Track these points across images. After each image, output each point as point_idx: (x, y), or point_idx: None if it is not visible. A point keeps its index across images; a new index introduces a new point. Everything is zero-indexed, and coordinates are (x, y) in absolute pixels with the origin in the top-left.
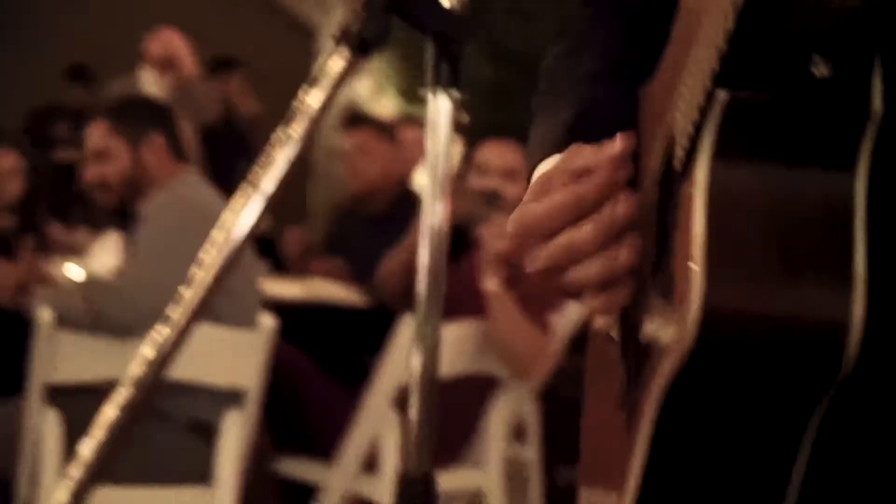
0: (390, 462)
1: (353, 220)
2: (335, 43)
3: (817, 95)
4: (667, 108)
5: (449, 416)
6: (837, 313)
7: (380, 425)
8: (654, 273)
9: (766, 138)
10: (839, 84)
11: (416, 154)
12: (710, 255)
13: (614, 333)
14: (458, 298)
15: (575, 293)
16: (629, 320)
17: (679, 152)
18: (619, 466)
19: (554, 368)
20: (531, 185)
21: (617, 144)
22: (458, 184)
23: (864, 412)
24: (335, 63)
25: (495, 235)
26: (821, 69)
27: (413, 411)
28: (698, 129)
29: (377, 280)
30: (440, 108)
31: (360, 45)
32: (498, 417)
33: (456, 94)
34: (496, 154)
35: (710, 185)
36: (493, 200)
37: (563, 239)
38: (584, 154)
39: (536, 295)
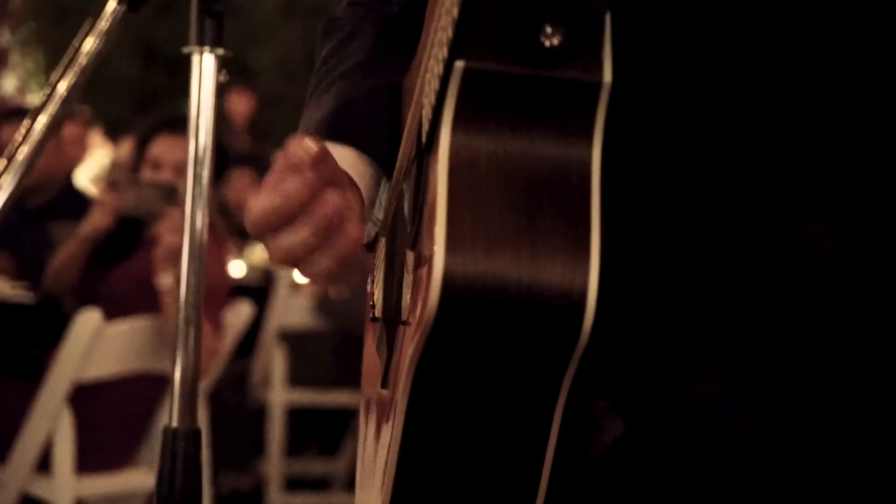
0: (64, 462)
1: (16, 214)
2: None
3: (551, 65)
4: (417, 89)
5: (122, 416)
6: (574, 284)
7: (53, 424)
8: (408, 248)
9: (505, 107)
10: (571, 54)
11: (76, 148)
12: (449, 224)
13: (377, 313)
14: (131, 294)
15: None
16: (390, 299)
17: (424, 125)
18: (382, 443)
19: (221, 370)
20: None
21: (311, 145)
22: (131, 178)
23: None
24: (107, 15)
25: (170, 230)
26: (552, 39)
27: (178, 368)
28: (441, 100)
29: (48, 275)
30: (204, 67)
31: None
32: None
33: (220, 52)
34: (170, 148)
35: (450, 153)
36: (168, 195)
37: (284, 242)
38: (292, 151)
39: (210, 294)
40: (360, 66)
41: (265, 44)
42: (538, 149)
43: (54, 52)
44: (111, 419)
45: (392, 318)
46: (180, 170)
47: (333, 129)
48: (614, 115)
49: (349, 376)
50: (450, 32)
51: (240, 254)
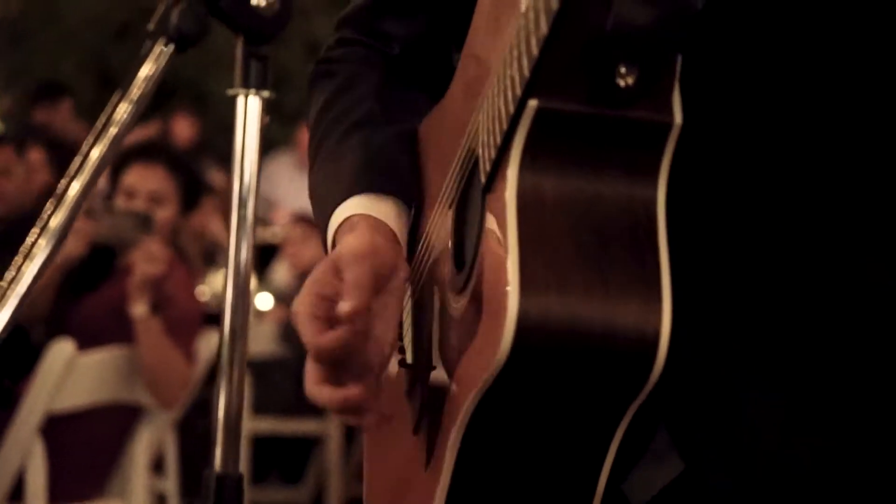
0: (36, 492)
1: None
2: (151, 37)
3: (622, 105)
4: (459, 133)
5: (94, 447)
6: (647, 325)
7: (26, 454)
8: (455, 292)
9: (574, 147)
10: (643, 94)
11: (39, 175)
12: (522, 265)
13: (408, 359)
14: (105, 324)
15: None
16: (422, 346)
17: (485, 166)
18: (414, 487)
19: (191, 398)
20: (328, 262)
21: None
22: (105, 206)
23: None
24: (154, 56)
25: (144, 260)
26: (626, 79)
27: (220, 408)
28: (507, 139)
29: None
30: (249, 108)
31: (178, 39)
32: (140, 448)
33: (265, 94)
34: (144, 177)
35: (518, 193)
36: (142, 224)
37: (318, 342)
38: (345, 266)
39: (183, 321)
40: (373, 116)
41: (292, 86)
42: (606, 189)
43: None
44: (84, 450)
45: (425, 364)
46: (154, 198)
47: (365, 185)
48: (680, 156)
49: (313, 404)
50: (525, 72)
51: (203, 280)
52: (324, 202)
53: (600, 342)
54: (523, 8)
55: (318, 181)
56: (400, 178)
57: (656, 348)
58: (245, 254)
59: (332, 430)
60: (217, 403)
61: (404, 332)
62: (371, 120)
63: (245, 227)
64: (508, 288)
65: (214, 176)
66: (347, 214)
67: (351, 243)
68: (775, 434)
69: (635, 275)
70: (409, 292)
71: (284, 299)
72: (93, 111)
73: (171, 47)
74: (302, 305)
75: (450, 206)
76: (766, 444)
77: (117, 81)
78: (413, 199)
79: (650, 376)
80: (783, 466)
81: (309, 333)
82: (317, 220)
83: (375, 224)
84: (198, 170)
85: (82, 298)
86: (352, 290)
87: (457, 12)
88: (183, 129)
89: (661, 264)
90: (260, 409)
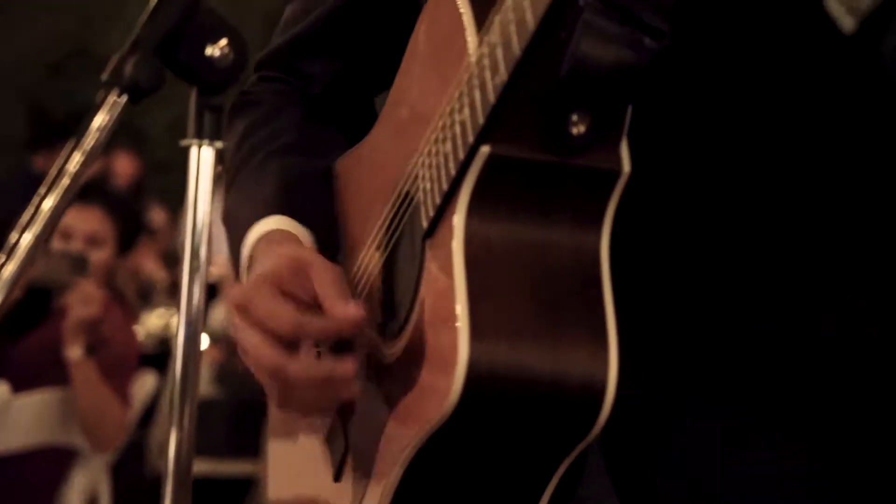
0: None
1: None
2: (105, 87)
3: (573, 153)
4: (388, 176)
5: (27, 490)
6: (595, 375)
7: None
8: (388, 338)
9: (522, 193)
10: (594, 142)
11: None
12: (471, 313)
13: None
14: (40, 366)
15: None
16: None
17: (428, 212)
18: None
19: (126, 441)
20: (254, 273)
21: (353, 311)
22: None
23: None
24: (107, 107)
25: (80, 302)
26: (578, 127)
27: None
28: (454, 185)
29: None
30: (202, 159)
31: (132, 90)
32: (75, 491)
33: (218, 145)
34: (81, 219)
35: (466, 239)
36: (78, 266)
37: (274, 361)
38: (315, 269)
39: (119, 364)
40: (293, 146)
41: (157, 108)
42: (553, 236)
43: None
44: (18, 492)
45: (349, 409)
46: (91, 240)
47: (283, 206)
48: (624, 200)
49: (248, 446)
50: (480, 118)
51: (138, 321)
52: (239, 223)
53: (548, 391)
54: (474, 56)
55: (235, 203)
56: (317, 211)
57: (603, 396)
58: (197, 304)
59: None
60: (168, 447)
61: None
62: (292, 150)
63: (197, 279)
64: (458, 336)
65: (154, 214)
66: (269, 229)
67: (299, 250)
68: (712, 460)
69: (582, 322)
70: None
71: (220, 340)
72: (25, 150)
73: (125, 98)
74: (257, 295)
75: (379, 250)
76: (701, 470)
77: (49, 120)
78: (324, 237)
79: (596, 424)
80: (718, 494)
81: (274, 321)
82: (230, 241)
83: (302, 244)
84: (136, 209)
85: (18, 340)
86: (339, 296)
87: (378, 54)
88: (124, 166)
89: (606, 311)
90: (196, 450)
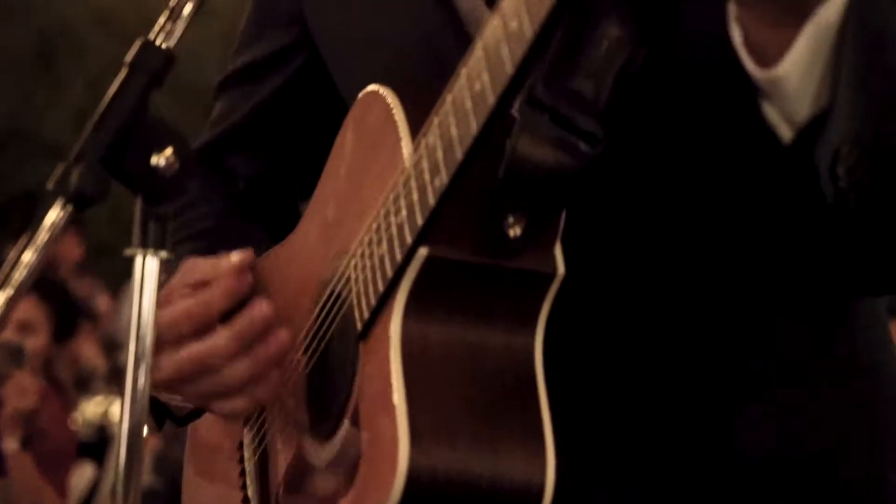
0: None
1: None
2: (50, 196)
3: (509, 254)
4: (313, 276)
5: None
6: (533, 477)
7: None
8: (318, 440)
9: (459, 295)
10: (529, 244)
11: None
12: (411, 417)
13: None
14: None
15: (206, 399)
16: (267, 493)
17: (362, 314)
18: None
19: None
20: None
21: (235, 256)
22: None
23: None
24: (52, 216)
25: (15, 394)
26: (515, 229)
27: None
28: (390, 287)
29: None
30: (147, 269)
31: (77, 199)
32: None
33: (163, 255)
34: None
35: (403, 341)
36: (13, 356)
37: (193, 349)
38: (201, 268)
39: (56, 455)
40: (209, 232)
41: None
42: (490, 338)
43: None
44: None
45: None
46: (25, 327)
47: None
48: (560, 302)
49: None
50: (418, 221)
51: (75, 408)
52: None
53: (488, 494)
54: (411, 159)
55: None
56: None
57: (541, 498)
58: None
59: None
60: None
61: (247, 479)
62: (210, 236)
63: (142, 365)
64: (398, 439)
65: (99, 299)
66: None
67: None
68: None
69: (519, 424)
70: (251, 434)
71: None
72: None
73: (70, 207)
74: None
75: (307, 352)
76: None
77: None
78: None
79: None
80: None
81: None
82: None
83: None
84: (73, 295)
85: None
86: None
87: (301, 153)
88: (68, 250)
89: (542, 412)
90: None
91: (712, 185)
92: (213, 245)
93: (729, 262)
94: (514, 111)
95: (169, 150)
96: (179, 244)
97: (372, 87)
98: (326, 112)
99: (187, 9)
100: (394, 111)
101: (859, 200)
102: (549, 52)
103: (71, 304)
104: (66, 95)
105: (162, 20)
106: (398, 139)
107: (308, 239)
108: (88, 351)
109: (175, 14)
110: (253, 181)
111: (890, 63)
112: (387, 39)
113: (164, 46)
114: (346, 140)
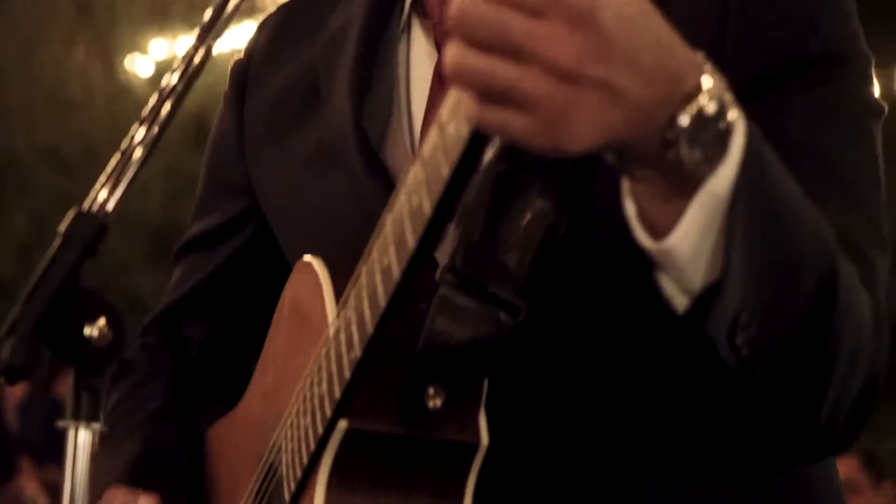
0: None
1: None
2: None
3: (431, 426)
4: (255, 444)
5: None
6: None
7: None
8: None
9: (382, 467)
10: (451, 415)
11: None
12: None
13: None
14: None
15: None
16: None
17: (290, 486)
18: None
19: None
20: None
21: (143, 500)
22: None
23: None
24: None
25: None
26: (435, 400)
27: None
28: (314, 459)
29: None
30: (79, 442)
31: (8, 372)
32: None
33: (96, 427)
34: None
35: None
36: None
37: None
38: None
39: None
40: (159, 413)
41: None
42: None
43: None
44: None
45: None
46: None
47: (138, 477)
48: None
49: None
50: (336, 393)
51: None
52: (98, 483)
53: None
54: (332, 330)
55: (98, 463)
56: (177, 481)
57: None
58: None
59: None
60: None
61: None
62: (154, 420)
63: None
64: None
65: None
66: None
67: None
68: None
69: None
70: None
71: None
72: None
73: (1, 379)
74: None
75: None
76: None
77: None
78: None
79: None
80: None
81: None
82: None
83: None
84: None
85: None
86: None
87: (251, 319)
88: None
89: None
90: None
91: (626, 349)
92: (157, 433)
93: (650, 424)
94: (437, 276)
95: (102, 321)
96: (125, 436)
97: (306, 258)
98: (278, 278)
99: (126, 177)
100: (321, 282)
101: (763, 368)
102: (470, 222)
103: (7, 445)
104: (8, 229)
105: (98, 185)
106: (324, 308)
107: (251, 407)
108: (31, 487)
109: (112, 179)
110: (206, 347)
111: (784, 233)
112: (325, 208)
113: (98, 213)
114: (284, 308)
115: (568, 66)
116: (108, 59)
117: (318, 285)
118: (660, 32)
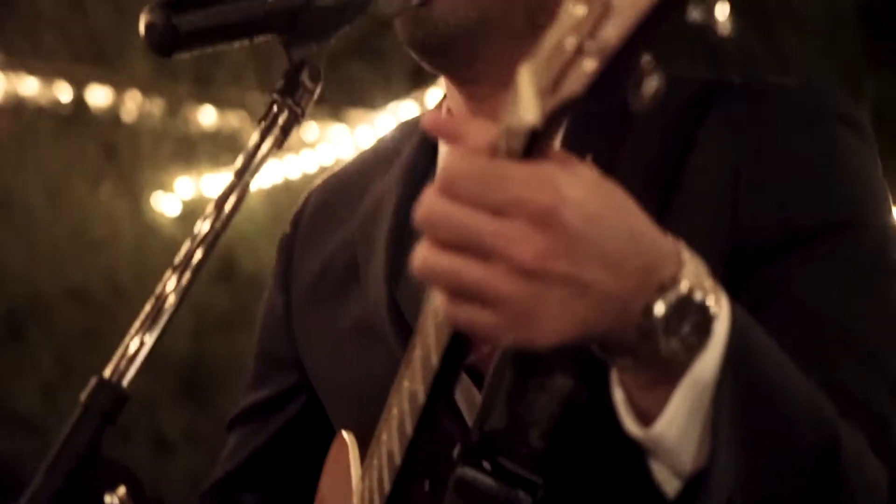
0: None
1: None
2: None
3: None
4: None
5: None
6: None
7: None
8: None
9: None
10: None
11: None
12: None
13: None
14: None
15: None
16: None
17: None
18: None
19: None
20: None
21: None
22: None
23: None
24: None
25: None
26: None
27: None
28: None
29: None
30: None
31: None
32: None
33: None
34: None
35: None
36: None
37: None
38: None
39: None
40: None
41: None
42: None
43: None
44: None
45: None
46: None
47: None
48: None
49: None
50: None
51: None
52: None
53: None
54: (356, 497)
55: None
56: None
57: None
58: None
59: None
60: None
61: None
62: None
63: None
64: None
65: None
66: None
67: None
68: None
69: None
70: None
71: None
72: None
73: None
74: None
75: None
76: None
77: None
78: None
79: None
80: None
81: None
82: None
83: None
84: None
85: None
86: None
87: (304, 488)
88: None
89: None
90: None
91: None
92: None
93: None
94: (455, 454)
95: (122, 490)
96: None
97: (342, 433)
98: (328, 447)
99: (144, 350)
100: (350, 455)
101: None
102: (488, 400)
103: None
104: (34, 367)
105: (116, 357)
106: (350, 484)
107: None
108: None
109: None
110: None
111: (775, 414)
112: (367, 381)
113: (118, 383)
114: (325, 478)
115: (532, 264)
116: (135, 197)
117: (348, 459)
118: (630, 223)
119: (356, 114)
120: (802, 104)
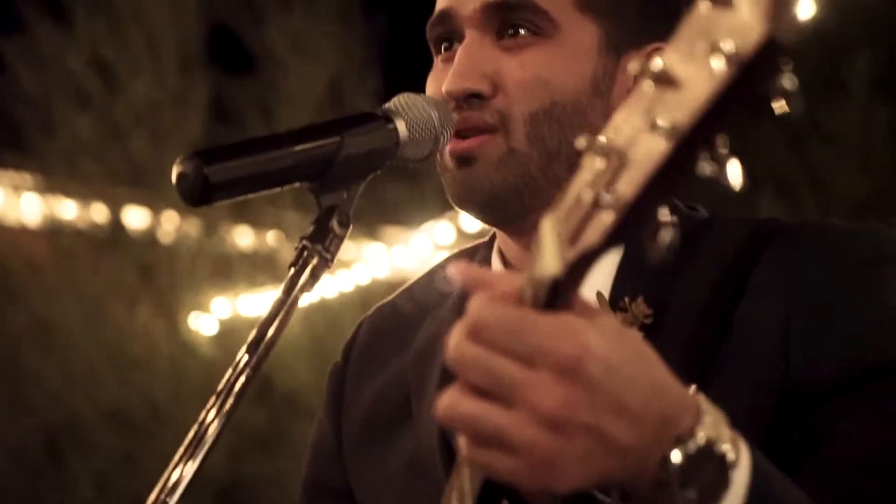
0: None
1: None
2: None
3: None
4: None
5: None
6: None
7: None
8: None
9: None
10: None
11: None
12: None
13: None
14: None
15: None
16: None
17: None
18: None
19: None
20: None
21: None
22: None
23: None
24: None
25: None
26: None
27: None
28: None
29: None
30: None
31: None
32: None
33: None
34: None
35: None
36: None
37: None
38: None
39: None
40: None
41: None
42: None
43: None
44: None
45: None
46: None
47: None
48: None
49: None
50: None
51: None
52: None
53: None
54: None
55: None
56: None
57: None
58: None
59: None
60: None
61: None
62: None
63: None
64: None
65: None
66: None
67: None
68: None
69: None
70: None
71: None
72: None
73: None
74: None
75: None
76: None
77: None
78: None
79: None
80: None
81: None
82: None
83: None
84: None
85: None
86: None
87: None
88: None
89: None
90: None
91: None
92: None
93: None
94: None
95: None
96: None
97: None
98: None
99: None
100: None
101: None
102: None
103: None
104: (72, 490)
105: (158, 487)
106: None
107: None
108: None
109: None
110: None
111: None
112: None
113: None
114: None
115: (554, 413)
116: (171, 318)
117: None
118: (651, 375)
119: (392, 232)
120: (851, 248)
